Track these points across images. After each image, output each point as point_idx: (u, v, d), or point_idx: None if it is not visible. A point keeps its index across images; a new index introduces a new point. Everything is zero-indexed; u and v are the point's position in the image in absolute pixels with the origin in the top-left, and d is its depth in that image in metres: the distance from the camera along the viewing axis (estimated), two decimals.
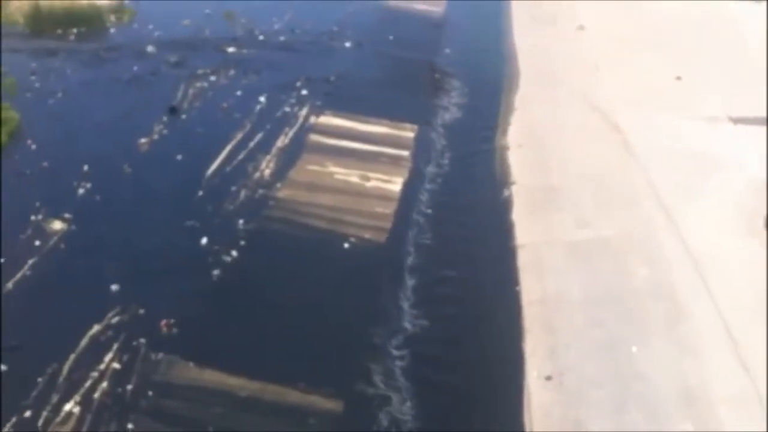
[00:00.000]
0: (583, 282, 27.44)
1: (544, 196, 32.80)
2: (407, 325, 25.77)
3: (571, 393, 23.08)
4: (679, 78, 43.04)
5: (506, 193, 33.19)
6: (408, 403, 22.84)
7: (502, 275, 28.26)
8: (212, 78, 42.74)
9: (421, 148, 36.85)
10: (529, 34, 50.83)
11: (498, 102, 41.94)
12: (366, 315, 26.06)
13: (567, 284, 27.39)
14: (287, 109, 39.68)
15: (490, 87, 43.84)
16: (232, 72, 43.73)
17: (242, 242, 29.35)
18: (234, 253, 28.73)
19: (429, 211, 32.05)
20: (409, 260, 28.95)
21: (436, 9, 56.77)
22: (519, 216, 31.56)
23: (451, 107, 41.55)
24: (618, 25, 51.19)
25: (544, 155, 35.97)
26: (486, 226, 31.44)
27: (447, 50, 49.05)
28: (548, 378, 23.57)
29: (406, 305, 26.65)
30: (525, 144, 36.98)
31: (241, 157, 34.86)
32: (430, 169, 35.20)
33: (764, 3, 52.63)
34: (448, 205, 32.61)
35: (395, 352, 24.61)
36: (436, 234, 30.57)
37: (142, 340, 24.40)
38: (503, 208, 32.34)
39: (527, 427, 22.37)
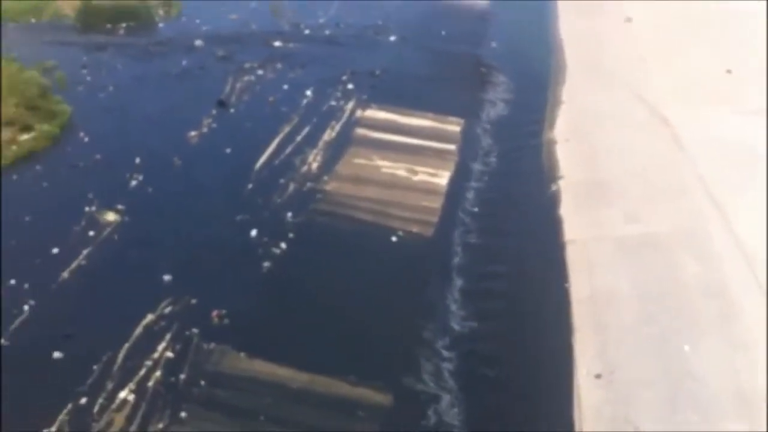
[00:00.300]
0: (633, 278, 27.20)
1: (593, 190, 32.57)
2: (455, 321, 25.79)
3: (621, 391, 22.92)
4: (729, 71, 42.33)
5: (554, 187, 33.03)
6: (456, 400, 22.95)
7: (551, 271, 28.14)
8: (259, 72, 43.11)
9: (467, 142, 36.83)
10: (575, 27, 50.39)
11: (545, 95, 41.69)
12: (415, 309, 26.18)
13: (617, 280, 27.18)
14: (333, 102, 39.90)
15: (536, 80, 43.57)
16: (278, 66, 44.05)
17: (291, 235, 29.64)
18: (283, 245, 29.04)
19: (476, 205, 32.05)
20: (457, 255, 29.00)
21: (481, 1, 56.52)
22: (567, 211, 31.37)
23: (497, 101, 41.42)
24: (666, 17, 50.47)
25: (591, 149, 35.69)
26: (534, 221, 31.32)
27: (493, 44, 48.81)
28: (598, 376, 23.43)
29: (454, 300, 26.71)
30: (572, 138, 36.75)
31: (288, 150, 35.16)
32: (477, 164, 35.16)
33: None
34: (495, 199, 32.58)
35: (444, 347, 24.71)
36: (483, 229, 30.57)
37: (195, 330, 24.81)
38: (551, 203, 32.19)
39: (577, 427, 22.28)
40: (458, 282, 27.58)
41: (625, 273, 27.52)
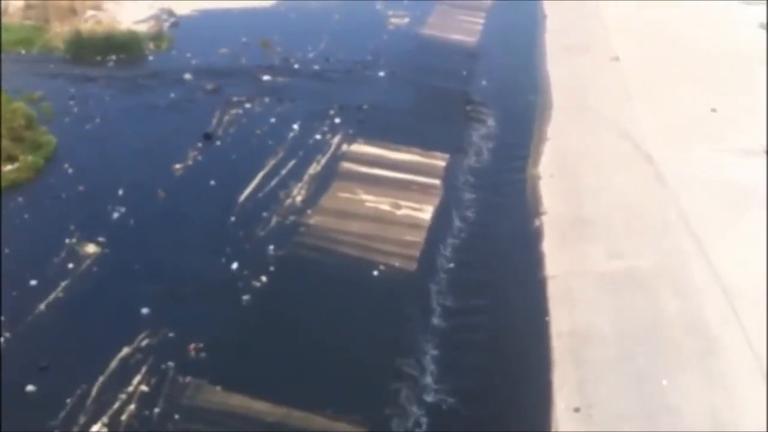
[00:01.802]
0: (614, 314, 27.13)
1: (576, 226, 32.61)
2: (435, 355, 25.62)
3: (599, 426, 22.70)
4: (714, 110, 42.72)
5: (537, 222, 33.06)
6: None
7: (532, 306, 28.04)
8: (247, 105, 43.29)
9: (452, 176, 36.91)
10: (562, 65, 50.97)
11: (530, 132, 41.94)
12: (394, 344, 25.98)
13: (597, 316, 27.11)
14: (319, 136, 40.01)
15: (522, 117, 43.90)
16: (266, 100, 44.25)
17: (272, 268, 29.49)
18: (264, 278, 28.89)
19: (459, 239, 32.02)
20: (439, 289, 28.88)
21: (470, 39, 57.18)
22: (550, 246, 31.36)
23: (483, 137, 41.61)
24: (653, 57, 51.15)
25: (575, 185, 35.84)
26: (516, 256, 31.29)
27: (480, 79, 49.19)
28: (576, 410, 23.26)
29: (434, 333, 26.55)
30: (557, 174, 36.88)
31: (273, 183, 35.16)
32: (461, 198, 35.19)
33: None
34: (478, 234, 32.56)
35: (422, 382, 24.48)
36: (465, 263, 30.52)
37: (171, 364, 24.52)
38: (534, 238, 32.18)
39: None
40: (439, 316, 27.44)
41: (606, 308, 27.46)
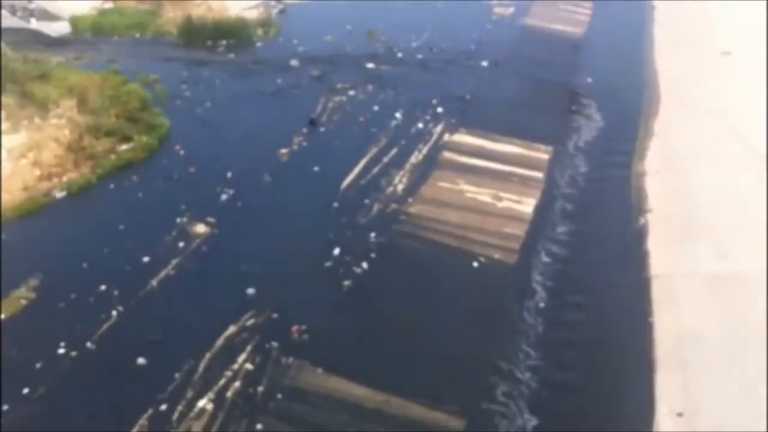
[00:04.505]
0: (721, 317, 26.49)
1: (682, 225, 31.84)
2: (534, 350, 25.58)
3: None
4: None
5: (641, 220, 32.41)
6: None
7: (635, 305, 27.62)
8: (351, 93, 43.81)
9: (554, 170, 36.52)
10: (671, 59, 49.55)
11: (636, 127, 41.04)
12: (494, 336, 26.07)
13: (703, 318, 26.50)
14: (422, 125, 40.19)
15: (628, 111, 42.93)
16: (370, 87, 44.67)
17: (373, 255, 29.94)
18: (365, 265, 29.35)
19: (560, 234, 31.71)
20: (538, 283, 28.74)
21: (576, 30, 56.13)
22: (654, 245, 30.75)
23: (587, 130, 40.93)
24: (764, 51, 49.08)
25: (682, 183, 34.93)
26: (619, 253, 30.78)
27: (585, 71, 48.30)
28: (680, 415, 22.88)
29: (533, 328, 26.48)
30: (663, 171, 36.02)
31: (375, 171, 35.58)
32: (563, 192, 34.79)
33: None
34: (580, 229, 32.15)
35: (520, 376, 24.48)
36: (566, 258, 30.24)
37: (275, 344, 25.29)
38: (638, 236, 31.61)
39: None
40: (539, 311, 27.30)
41: (713, 311, 26.81)
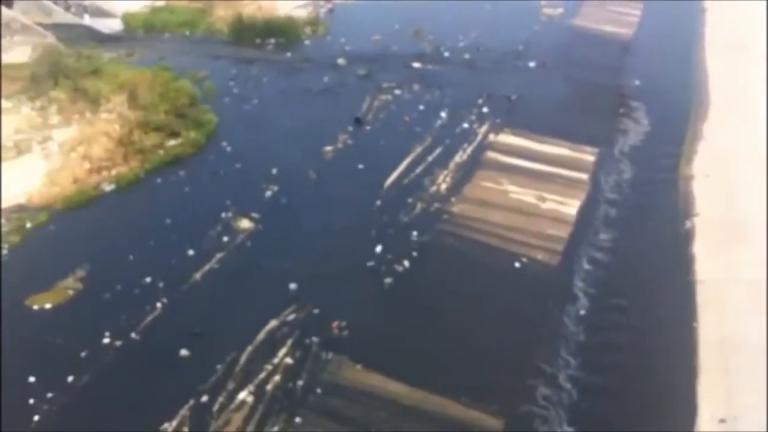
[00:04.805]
0: (766, 323, 25.85)
1: (729, 230, 31.23)
2: (575, 352, 25.37)
3: None
4: None
5: (688, 224, 31.91)
6: None
7: (679, 310, 27.22)
8: (397, 92, 43.92)
9: (600, 172, 36.16)
10: (721, 61, 48.63)
11: (684, 129, 40.37)
12: (535, 337, 25.92)
13: (748, 325, 25.99)
14: (467, 125, 40.12)
15: (676, 114, 42.26)
16: (416, 87, 44.70)
17: (414, 253, 29.98)
18: (406, 263, 29.41)
19: (604, 236, 31.38)
20: (581, 285, 28.50)
21: (625, 31, 55.45)
22: (700, 250, 30.23)
23: (634, 133, 40.42)
24: None
25: (731, 187, 34.28)
26: (664, 257, 30.36)
27: (633, 73, 47.73)
28: (722, 421, 22.51)
29: (575, 331, 26.26)
30: (711, 174, 35.40)
31: (419, 170, 35.63)
32: (609, 195, 34.43)
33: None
34: (624, 232, 31.77)
35: (562, 378, 24.30)
36: (610, 261, 29.93)
37: (315, 339, 25.50)
38: (683, 240, 31.11)
39: None
40: (581, 313, 27.08)
41: (758, 318, 26.19)
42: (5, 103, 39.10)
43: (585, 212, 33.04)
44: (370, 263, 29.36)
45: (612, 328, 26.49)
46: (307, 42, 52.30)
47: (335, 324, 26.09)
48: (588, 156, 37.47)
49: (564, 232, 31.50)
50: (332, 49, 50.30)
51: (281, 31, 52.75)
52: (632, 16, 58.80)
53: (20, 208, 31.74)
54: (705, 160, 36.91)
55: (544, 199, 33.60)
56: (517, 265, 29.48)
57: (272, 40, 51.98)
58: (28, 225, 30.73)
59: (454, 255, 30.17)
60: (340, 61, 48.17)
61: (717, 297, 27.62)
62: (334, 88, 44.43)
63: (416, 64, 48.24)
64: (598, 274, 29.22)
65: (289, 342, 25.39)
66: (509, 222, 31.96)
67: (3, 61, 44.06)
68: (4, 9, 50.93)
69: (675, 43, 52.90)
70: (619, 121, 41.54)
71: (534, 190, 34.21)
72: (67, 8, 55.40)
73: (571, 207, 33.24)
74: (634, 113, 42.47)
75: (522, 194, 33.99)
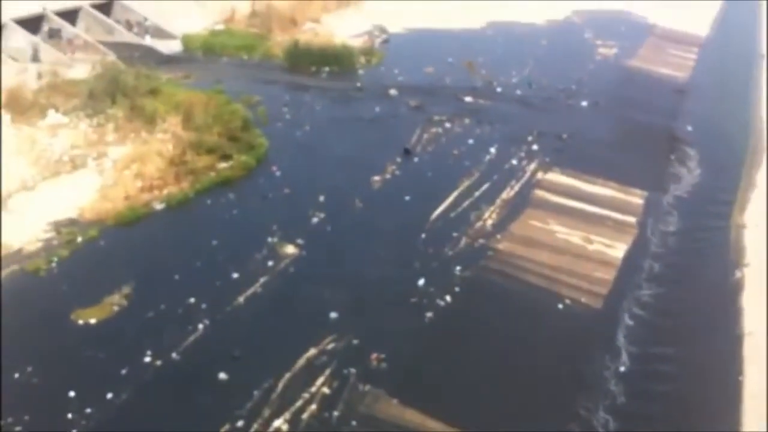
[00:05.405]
0: None
1: None
2: (617, 401, 24.92)
3: None
4: None
5: (738, 274, 31.35)
6: None
7: (725, 361, 26.65)
8: (447, 125, 44.11)
9: (649, 215, 35.80)
10: None
11: (738, 177, 39.86)
12: (575, 381, 25.51)
13: None
14: (515, 162, 40.08)
15: (730, 160, 41.83)
16: (466, 121, 44.88)
17: (457, 288, 29.82)
18: (448, 298, 29.27)
19: (651, 282, 30.92)
20: (625, 331, 28.07)
21: (680, 74, 55.20)
22: (749, 301, 29.65)
23: (685, 177, 40.01)
24: None
25: None
26: (711, 307, 29.83)
27: (688, 117, 47.30)
28: None
29: (617, 378, 25.78)
30: (763, 224, 34.75)
31: (465, 204, 35.61)
32: (657, 240, 34.01)
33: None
34: (672, 278, 31.32)
35: (602, 427, 23.83)
36: (656, 308, 29.44)
37: (353, 370, 25.37)
38: (733, 290, 30.57)
39: None
40: (623, 360, 26.63)
41: None
42: (63, 118, 40.03)
43: (632, 256, 32.65)
44: (412, 295, 29.26)
45: (654, 377, 25.90)
46: (361, 71, 52.85)
47: (374, 356, 25.99)
48: (637, 199, 37.14)
49: (609, 275, 31.14)
50: (385, 79, 50.77)
51: (336, 60, 53.41)
52: (688, 59, 58.53)
53: (72, 222, 32.31)
54: (757, 209, 36.32)
55: (590, 241, 33.31)
56: (560, 306, 29.17)
57: (327, 68, 52.60)
58: (79, 239, 31.27)
59: (496, 292, 29.98)
60: (393, 91, 48.59)
61: (765, 350, 26.92)
62: (386, 118, 44.78)
63: (468, 98, 48.42)
64: (643, 320, 28.75)
65: (327, 371, 25.30)
66: (554, 262, 31.70)
67: (65, 77, 45.32)
68: (68, 25, 52.44)
69: (731, 88, 52.41)
70: (671, 165, 41.15)
71: (581, 231, 33.95)
72: (129, 28, 56.81)
73: (617, 250, 32.88)
74: (686, 158, 42.03)
75: (568, 234, 33.74)
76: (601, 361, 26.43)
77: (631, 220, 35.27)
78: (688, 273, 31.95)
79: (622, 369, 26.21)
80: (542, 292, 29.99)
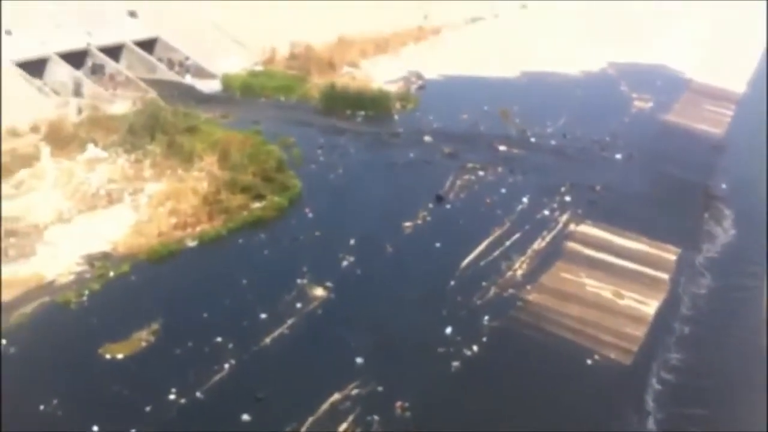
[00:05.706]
0: None
1: None
2: None
3: None
4: None
5: None
6: None
7: (757, 425, 26.07)
8: (480, 173, 44.20)
9: (682, 273, 35.40)
10: None
11: None
12: None
13: None
14: (548, 212, 39.99)
15: (765, 220, 41.21)
16: (500, 169, 44.96)
17: (484, 338, 29.61)
18: (475, 348, 29.05)
19: (683, 341, 30.46)
20: (654, 389, 27.63)
21: (716, 130, 54.95)
22: None
23: (719, 235, 39.60)
24: None
25: None
26: (745, 367, 29.32)
27: (722, 174, 46.96)
28: None
29: None
30: None
31: (496, 253, 35.49)
32: (689, 297, 33.60)
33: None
34: (703, 338, 30.87)
35: None
36: (686, 367, 28.98)
37: (376, 417, 25.19)
38: (766, 351, 29.98)
39: None
40: (653, 420, 26.18)
41: None
42: (102, 153, 40.72)
43: (663, 313, 32.25)
44: (439, 344, 29.07)
45: None
46: (396, 116, 53.28)
47: (399, 404, 25.79)
48: (670, 255, 36.79)
49: (640, 332, 30.74)
50: (420, 124, 51.13)
51: (372, 104, 53.94)
52: (725, 115, 58.29)
53: (105, 256, 32.68)
54: None
55: (621, 296, 32.98)
56: (588, 362, 28.81)
57: (362, 112, 53.10)
58: (111, 273, 31.58)
59: (525, 344, 29.68)
60: (427, 138, 48.91)
61: None
62: (419, 164, 45.01)
63: (502, 147, 48.55)
64: (674, 379, 28.29)
65: (351, 417, 25.15)
66: (584, 315, 31.39)
67: (105, 112, 46.20)
68: (110, 61, 53.59)
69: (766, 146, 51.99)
70: (704, 222, 40.79)
71: (612, 285, 33.64)
72: (171, 66, 57.91)
73: (649, 306, 32.51)
74: (721, 216, 41.65)
75: (599, 288, 33.45)
76: (629, 418, 26.01)
77: (664, 276, 34.93)
78: (721, 331, 31.41)
79: (652, 426, 25.76)
80: (571, 345, 29.67)
